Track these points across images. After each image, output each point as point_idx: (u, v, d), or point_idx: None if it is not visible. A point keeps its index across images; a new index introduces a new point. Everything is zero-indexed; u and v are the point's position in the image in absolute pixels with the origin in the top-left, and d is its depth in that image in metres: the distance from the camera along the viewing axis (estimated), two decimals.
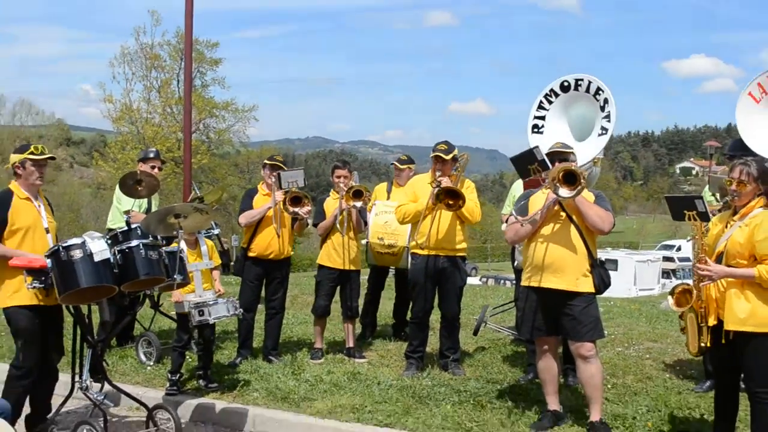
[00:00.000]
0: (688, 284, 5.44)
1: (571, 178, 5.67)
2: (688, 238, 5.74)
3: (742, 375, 5.36)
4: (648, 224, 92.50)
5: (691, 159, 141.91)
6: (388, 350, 8.43)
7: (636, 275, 29.83)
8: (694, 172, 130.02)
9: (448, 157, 7.24)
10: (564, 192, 5.68)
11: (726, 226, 5.32)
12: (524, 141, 7.27)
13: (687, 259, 37.52)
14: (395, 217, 7.74)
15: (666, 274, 34.50)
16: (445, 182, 7.09)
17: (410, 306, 7.86)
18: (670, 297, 5.54)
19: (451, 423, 6.12)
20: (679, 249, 41.79)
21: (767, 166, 5.41)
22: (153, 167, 8.25)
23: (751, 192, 5.23)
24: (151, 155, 8.51)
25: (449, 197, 7.06)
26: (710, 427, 5.86)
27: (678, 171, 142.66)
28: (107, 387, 5.93)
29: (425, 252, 7.39)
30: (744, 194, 5.24)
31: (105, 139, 63.21)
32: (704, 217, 5.39)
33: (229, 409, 6.61)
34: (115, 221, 8.27)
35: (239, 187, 36.62)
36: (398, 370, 7.55)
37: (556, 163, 5.89)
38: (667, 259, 37.81)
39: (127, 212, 8.07)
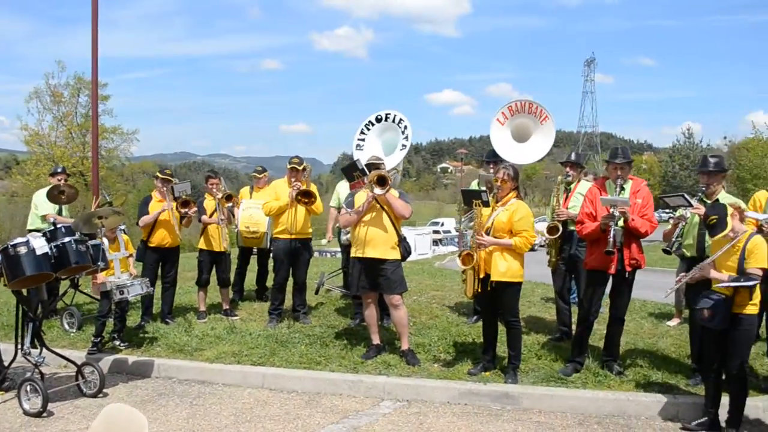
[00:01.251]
0: (470, 249, 5.74)
1: (382, 181, 5.91)
2: (462, 219, 6.16)
3: (500, 310, 5.80)
4: (421, 208, 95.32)
5: (447, 161, 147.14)
6: (254, 309, 8.33)
7: (416, 244, 30.68)
8: (449, 171, 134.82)
9: (300, 168, 7.33)
10: (378, 190, 5.90)
11: (492, 210, 5.73)
12: (334, 153, 7.56)
13: (448, 231, 39.40)
14: (261, 211, 7.79)
15: (435, 242, 35.76)
16: (299, 187, 7.20)
17: (272, 276, 7.82)
18: (457, 258, 5.84)
19: (305, 359, 6.16)
20: (442, 224, 43.51)
21: (517, 169, 5.93)
22: (60, 179, 7.92)
23: (509, 187, 5.69)
24: (59, 170, 8.15)
25: (304, 197, 7.20)
26: (479, 347, 6.21)
27: (439, 170, 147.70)
28: (44, 352, 5.59)
29: (285, 236, 7.41)
30: (505, 188, 5.69)
31: (17, 158, 59.11)
32: (486, 204, 5.74)
33: (139, 362, 6.33)
34: (35, 223, 7.93)
35: (125, 191, 35.34)
36: (263, 324, 7.48)
37: (373, 171, 6.10)
38: (435, 232, 39.17)
39: (44, 216, 7.85)
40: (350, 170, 6.47)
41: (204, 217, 7.85)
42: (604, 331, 6.04)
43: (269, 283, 8.52)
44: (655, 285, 10.02)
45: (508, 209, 5.65)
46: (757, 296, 4.54)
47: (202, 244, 7.98)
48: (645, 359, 6.17)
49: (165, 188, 7.60)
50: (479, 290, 5.67)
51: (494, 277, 5.56)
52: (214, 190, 7.93)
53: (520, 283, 5.74)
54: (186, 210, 7.61)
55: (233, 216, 8.12)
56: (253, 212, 8.35)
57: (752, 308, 4.52)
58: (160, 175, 7.77)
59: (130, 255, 6.93)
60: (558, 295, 7.07)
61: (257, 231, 8.43)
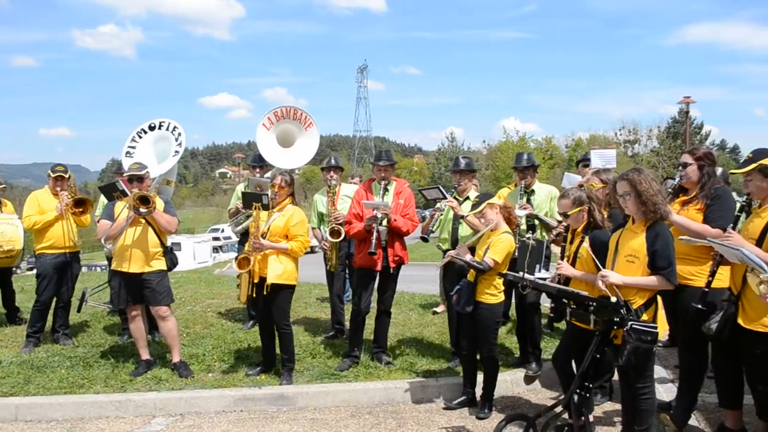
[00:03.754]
0: (245, 253, 5.73)
1: (144, 201, 5.67)
2: (230, 221, 6.14)
3: (272, 313, 5.83)
4: (200, 214, 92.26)
5: (226, 165, 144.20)
6: (6, 334, 7.34)
7: (195, 252, 29.74)
8: (228, 176, 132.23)
9: (67, 176, 7.01)
10: (143, 210, 5.66)
11: (269, 216, 5.76)
12: (102, 159, 7.11)
13: (229, 238, 38.59)
14: (13, 227, 7.31)
15: (215, 249, 34.95)
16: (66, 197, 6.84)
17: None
18: (234, 262, 5.84)
19: (66, 384, 5.64)
20: (222, 231, 42.52)
21: (293, 176, 6.03)
22: None
23: (285, 193, 5.78)
24: None
25: (78, 206, 6.91)
26: (256, 352, 6.25)
27: (218, 175, 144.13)
28: None
29: (54, 251, 6.88)
30: (281, 194, 5.77)
31: None
32: (266, 207, 5.72)
33: None
34: None
35: None
36: (16, 350, 6.69)
37: (134, 192, 5.80)
38: (215, 239, 38.27)
39: None
40: (109, 190, 6.23)
41: None
42: None
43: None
44: (423, 279, 10.82)
45: (284, 214, 5.73)
46: (498, 287, 5.08)
47: None
48: (412, 348, 6.63)
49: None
50: (254, 294, 5.69)
51: (269, 280, 5.60)
52: None
53: (293, 287, 5.84)
54: None
55: None
56: (5, 228, 7.44)
57: (492, 298, 5.04)
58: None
59: None
60: (336, 295, 7.30)
61: (12, 249, 7.48)
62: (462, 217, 5.73)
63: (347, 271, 7.30)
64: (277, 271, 5.63)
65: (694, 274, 4.43)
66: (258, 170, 7.59)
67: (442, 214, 6.13)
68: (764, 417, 4.25)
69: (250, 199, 5.87)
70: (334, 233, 6.97)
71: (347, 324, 6.97)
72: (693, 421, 4.96)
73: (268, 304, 5.76)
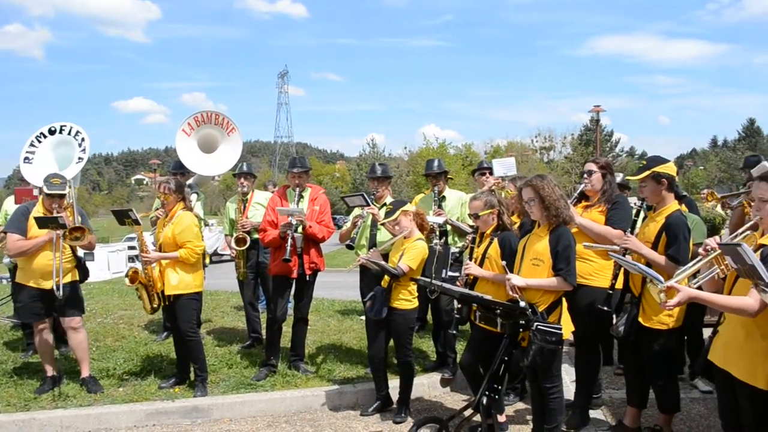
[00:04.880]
0: (136, 267, 5.65)
1: (79, 231, 5.48)
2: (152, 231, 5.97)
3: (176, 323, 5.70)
4: (115, 223, 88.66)
5: (142, 172, 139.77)
6: None
7: (109, 262, 28.68)
8: (144, 182, 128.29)
9: None
10: (74, 241, 5.51)
11: (163, 226, 5.64)
12: (9, 166, 6.70)
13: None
14: None
15: (131, 259, 33.82)
16: None
17: None
18: (126, 278, 5.67)
19: None
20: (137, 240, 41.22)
21: (180, 181, 5.91)
22: None
23: (174, 200, 5.64)
24: None
25: None
26: (170, 364, 6.10)
27: (133, 182, 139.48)
28: None
29: None
30: (169, 202, 5.63)
31: None
32: (137, 222, 5.58)
33: None
34: None
35: None
36: None
37: (55, 205, 5.54)
38: (131, 248, 37.02)
39: None
40: (121, 216, 5.71)
41: None
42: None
43: None
44: (344, 285, 10.83)
45: (174, 222, 5.61)
46: (413, 293, 5.16)
47: None
48: (330, 354, 6.64)
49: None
50: (158, 306, 5.61)
51: (167, 291, 5.54)
52: None
53: (197, 294, 5.73)
54: None
55: None
56: None
57: (407, 303, 5.11)
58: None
59: None
60: (250, 306, 7.24)
61: None
62: (383, 224, 5.78)
63: (258, 279, 7.24)
64: (173, 282, 5.55)
65: (591, 274, 4.67)
66: (180, 177, 7.44)
67: (364, 221, 6.17)
68: (664, 410, 4.56)
69: (121, 216, 5.65)
70: (240, 241, 6.93)
71: (264, 332, 6.92)
72: (600, 415, 5.21)
73: (173, 314, 5.66)
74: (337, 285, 10.28)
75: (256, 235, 6.76)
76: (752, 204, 3.40)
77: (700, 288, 3.31)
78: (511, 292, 4.24)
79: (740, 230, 3.39)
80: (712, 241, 3.26)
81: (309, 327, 6.52)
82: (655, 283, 3.23)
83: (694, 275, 3.34)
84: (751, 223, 3.31)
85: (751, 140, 66.74)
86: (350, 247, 6.22)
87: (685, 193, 6.27)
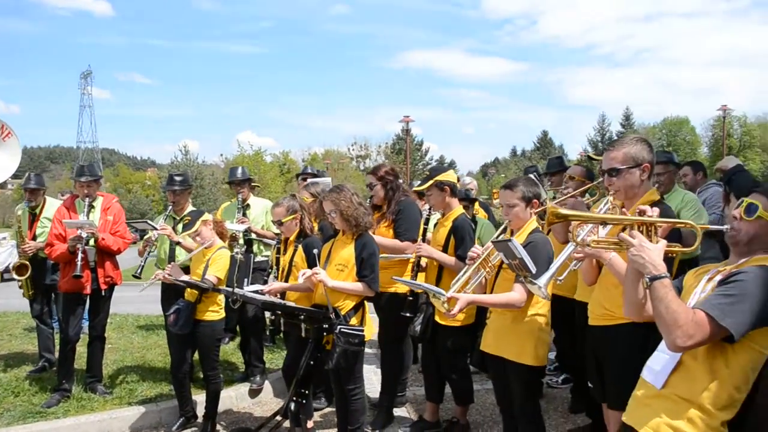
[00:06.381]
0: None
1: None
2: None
3: None
4: None
5: None
6: None
7: None
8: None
9: None
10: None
11: None
12: None
13: None
14: None
15: None
16: None
17: None
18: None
19: None
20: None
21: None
22: None
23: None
24: None
25: None
26: None
27: None
28: None
29: None
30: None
31: None
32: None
33: None
34: None
35: None
36: None
37: None
38: None
39: None
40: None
41: None
42: None
43: None
44: (150, 299, 10.30)
45: None
46: (220, 303, 5.04)
47: None
48: (132, 373, 6.27)
49: None
50: None
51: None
52: None
53: None
54: None
55: None
56: None
57: (214, 315, 4.99)
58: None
59: None
60: (38, 320, 6.64)
61: None
62: (178, 243, 5.54)
63: (53, 295, 6.67)
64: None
65: (391, 282, 4.88)
66: None
67: (155, 246, 5.84)
68: (459, 402, 4.88)
69: None
70: (22, 269, 6.33)
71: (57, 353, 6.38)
72: (404, 412, 5.44)
73: None
74: (143, 299, 9.73)
75: (43, 254, 6.21)
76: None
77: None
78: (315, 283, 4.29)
79: (497, 232, 3.88)
80: (478, 249, 3.68)
81: (110, 345, 6.14)
82: (438, 296, 3.54)
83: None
84: (503, 226, 3.84)
85: (544, 150, 73.24)
86: (137, 277, 5.88)
87: (477, 198, 6.74)
